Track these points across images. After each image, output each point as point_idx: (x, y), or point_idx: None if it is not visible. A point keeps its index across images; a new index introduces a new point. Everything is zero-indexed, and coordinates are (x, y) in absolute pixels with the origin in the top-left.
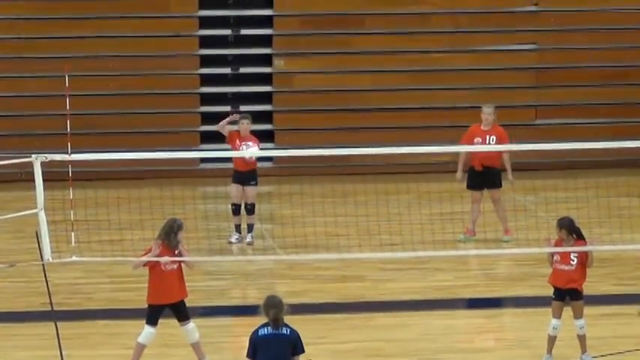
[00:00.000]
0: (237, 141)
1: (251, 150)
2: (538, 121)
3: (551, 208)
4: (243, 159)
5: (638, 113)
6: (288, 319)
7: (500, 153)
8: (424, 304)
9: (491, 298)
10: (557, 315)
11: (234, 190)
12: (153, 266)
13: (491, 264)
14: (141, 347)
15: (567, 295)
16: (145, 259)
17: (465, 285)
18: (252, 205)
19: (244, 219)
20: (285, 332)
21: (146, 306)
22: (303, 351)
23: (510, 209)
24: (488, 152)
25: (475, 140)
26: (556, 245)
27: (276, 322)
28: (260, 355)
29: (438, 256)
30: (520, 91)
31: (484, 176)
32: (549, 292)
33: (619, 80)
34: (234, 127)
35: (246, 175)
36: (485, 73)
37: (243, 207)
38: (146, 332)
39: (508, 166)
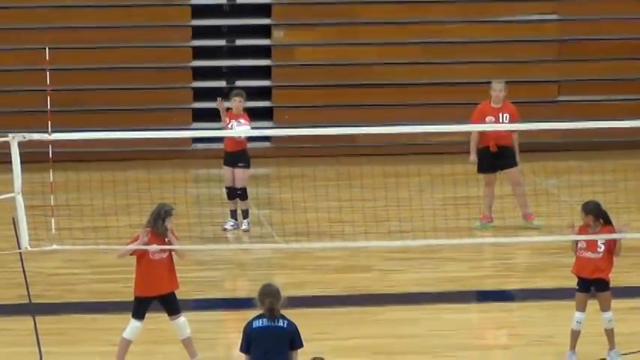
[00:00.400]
0: (228, 119)
1: (243, 128)
2: (561, 98)
3: (576, 192)
4: (232, 138)
5: None
6: (286, 312)
7: (512, 132)
8: (436, 297)
9: (509, 291)
10: (582, 308)
11: (226, 172)
12: (140, 255)
13: (509, 253)
14: (126, 343)
15: (593, 285)
16: (132, 247)
17: (480, 276)
18: (243, 190)
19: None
20: (282, 324)
21: (132, 298)
22: (301, 345)
23: (531, 193)
24: (503, 131)
25: (487, 119)
26: (581, 232)
27: (272, 312)
28: (255, 349)
29: (452, 244)
30: (541, 65)
31: (498, 157)
32: (573, 283)
33: None
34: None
35: (235, 155)
36: (503, 45)
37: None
38: (132, 327)
39: (516, 147)
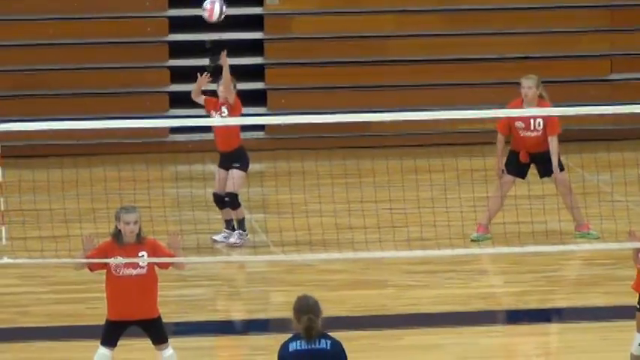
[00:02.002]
0: (213, 111)
1: (227, 119)
2: (613, 76)
3: (633, 191)
4: (222, 135)
5: None
6: (283, 337)
7: (547, 139)
8: (465, 318)
9: (554, 309)
10: None
11: (217, 175)
12: (107, 270)
13: (553, 264)
14: None
15: None
16: (79, 260)
17: (518, 292)
18: (233, 197)
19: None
20: (325, 346)
21: (99, 322)
22: None
23: (579, 192)
24: (538, 139)
25: (517, 124)
26: None
27: (310, 331)
28: None
29: (484, 254)
30: (589, 37)
31: (536, 164)
32: (632, 300)
33: None
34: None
35: (229, 156)
36: (543, 13)
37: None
38: (99, 355)
39: (554, 159)
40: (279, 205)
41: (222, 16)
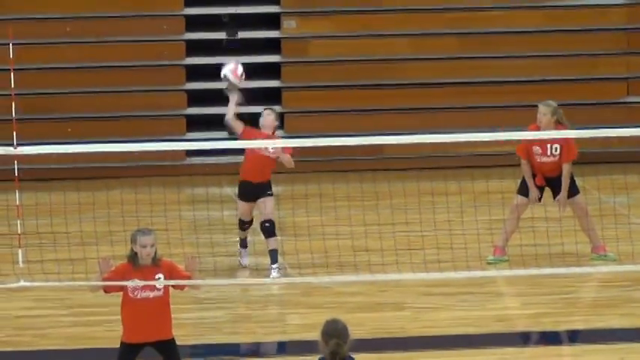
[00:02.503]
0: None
1: (241, 142)
2: (630, 98)
3: None
4: (259, 163)
5: None
6: None
7: (561, 164)
8: (482, 340)
9: (571, 331)
10: None
11: (242, 207)
12: (123, 293)
13: (571, 286)
14: None
15: None
16: (95, 283)
17: (536, 314)
18: (272, 223)
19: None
20: None
21: (116, 344)
22: None
23: (595, 214)
24: (554, 165)
25: (534, 149)
26: None
27: (334, 356)
28: None
29: (500, 276)
30: (606, 60)
31: (552, 188)
32: None
33: None
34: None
35: (260, 186)
36: (559, 36)
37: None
38: None
39: (565, 184)
40: (295, 227)
41: (242, 77)
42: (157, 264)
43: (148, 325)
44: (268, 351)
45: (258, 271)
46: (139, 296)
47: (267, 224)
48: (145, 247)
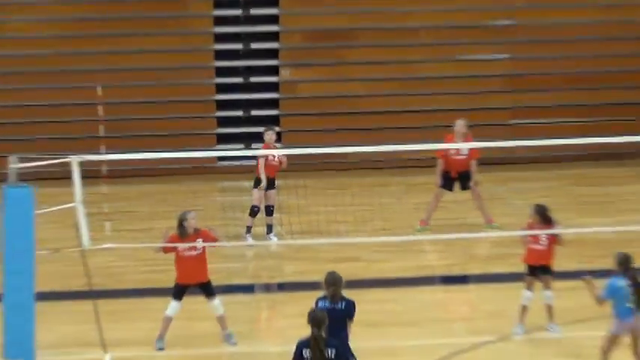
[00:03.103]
0: (269, 156)
1: (257, 151)
2: (512, 121)
3: (522, 197)
4: (276, 164)
5: (599, 113)
6: (294, 296)
7: (471, 161)
8: (412, 281)
9: (473, 275)
10: (530, 288)
11: (262, 195)
12: (173, 252)
13: (473, 246)
14: (168, 319)
15: (538, 271)
16: (158, 245)
17: (448, 264)
18: (273, 207)
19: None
20: (341, 306)
21: (172, 285)
22: (353, 317)
23: (487, 198)
24: (464, 161)
25: (450, 151)
26: (529, 228)
27: (334, 297)
28: None
29: (425, 239)
30: (496, 95)
31: (460, 180)
32: (523, 269)
33: (582, 85)
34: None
35: (274, 180)
36: (466, 79)
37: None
38: (172, 306)
39: (474, 171)
40: (289, 208)
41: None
42: (197, 233)
43: (192, 272)
44: (271, 289)
45: (265, 236)
46: (186, 254)
47: (271, 208)
48: (190, 220)
